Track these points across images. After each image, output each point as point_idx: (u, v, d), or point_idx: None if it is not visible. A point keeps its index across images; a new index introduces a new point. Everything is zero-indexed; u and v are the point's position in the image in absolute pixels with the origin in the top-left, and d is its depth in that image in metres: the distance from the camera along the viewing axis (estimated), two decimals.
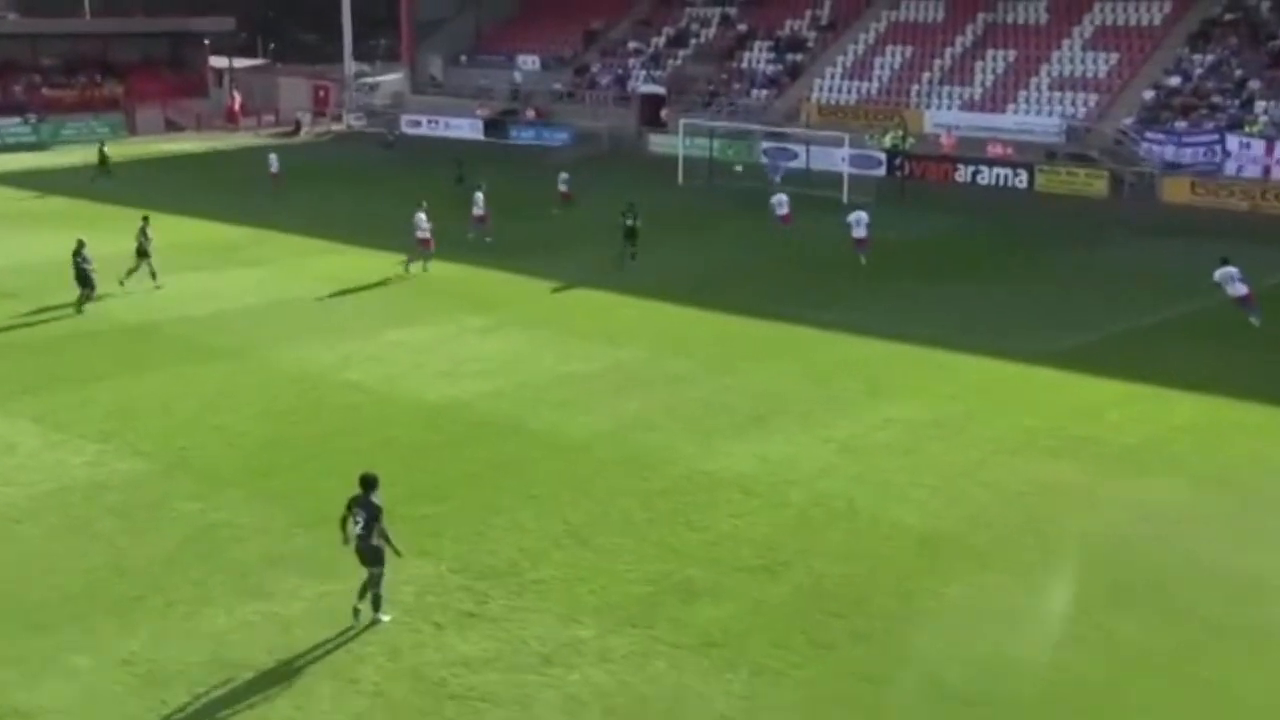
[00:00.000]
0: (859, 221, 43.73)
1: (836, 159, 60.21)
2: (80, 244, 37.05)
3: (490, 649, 17.70)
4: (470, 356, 32.04)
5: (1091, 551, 20.85)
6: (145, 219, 40.68)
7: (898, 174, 61.83)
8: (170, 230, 47.41)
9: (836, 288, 39.82)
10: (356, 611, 18.34)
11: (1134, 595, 19.22)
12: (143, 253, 39.49)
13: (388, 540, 18.26)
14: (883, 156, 63.63)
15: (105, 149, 63.57)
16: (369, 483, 18.32)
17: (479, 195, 47.41)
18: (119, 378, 30.18)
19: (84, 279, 36.60)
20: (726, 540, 21.13)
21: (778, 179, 57.40)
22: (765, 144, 66.52)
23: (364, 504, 18.20)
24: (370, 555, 18.21)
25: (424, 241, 41.32)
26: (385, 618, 18.32)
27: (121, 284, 38.67)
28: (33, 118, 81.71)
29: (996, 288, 39.71)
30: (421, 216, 41.32)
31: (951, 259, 44.69)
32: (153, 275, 39.48)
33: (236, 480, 23.72)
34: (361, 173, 65.28)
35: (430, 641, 17.92)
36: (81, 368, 31.02)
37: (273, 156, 60.05)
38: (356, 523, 18.20)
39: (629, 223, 43.15)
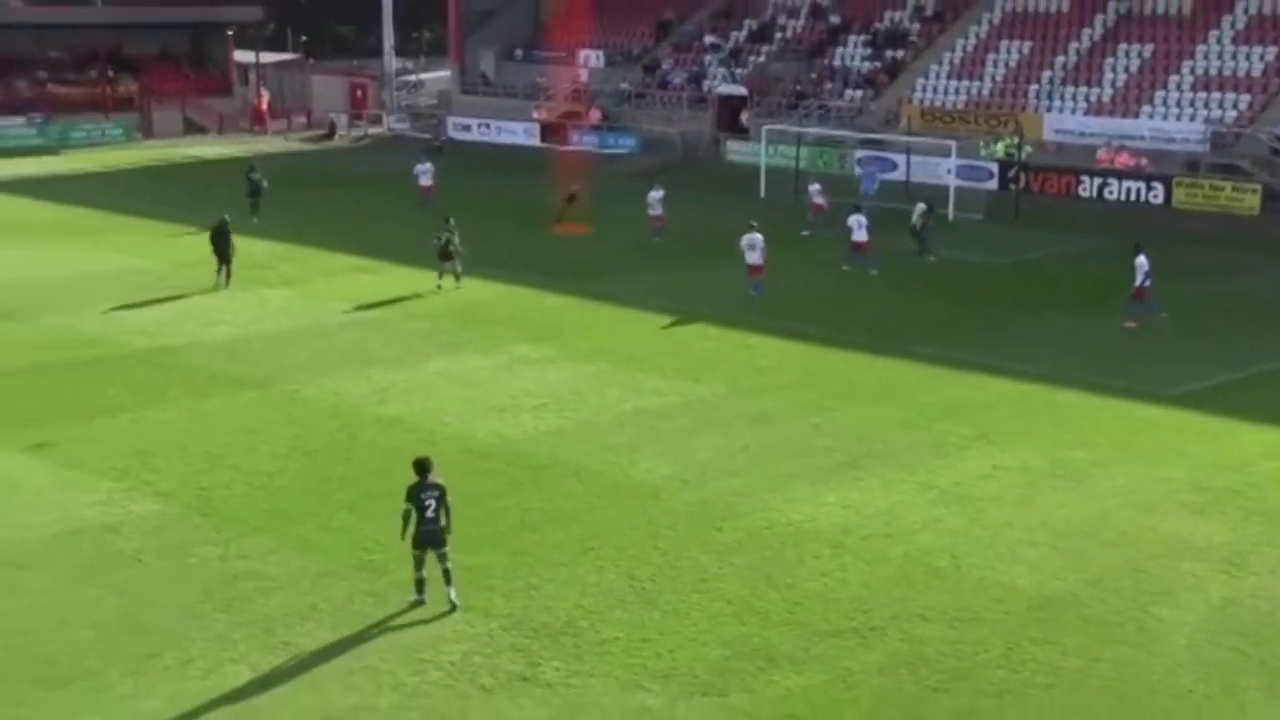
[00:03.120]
0: (859, 225, 45.10)
1: (941, 170, 60.16)
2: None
3: (544, 717, 17.96)
4: (525, 390, 32.40)
5: (1237, 624, 20.79)
6: (225, 220, 43.78)
7: (1012, 187, 61.63)
8: (188, 245, 48.20)
9: (939, 318, 39.89)
10: (422, 602, 20.69)
11: None
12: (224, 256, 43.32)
13: (448, 517, 20.66)
14: (994, 167, 63.52)
15: (255, 175, 55.87)
16: (426, 466, 20.76)
17: (654, 196, 49.81)
18: (132, 409, 30.79)
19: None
20: (812, 600, 21.26)
21: (872, 191, 57.53)
22: (860, 153, 66.60)
23: (432, 486, 20.56)
24: (441, 537, 20.62)
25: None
26: (457, 598, 20.75)
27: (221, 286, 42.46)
28: (38, 118, 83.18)
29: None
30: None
31: (1072, 285, 44.67)
32: (227, 277, 43.22)
33: (262, 525, 24.16)
34: (403, 182, 65.84)
35: (477, 707, 18.20)
36: (91, 398, 31.68)
37: (424, 167, 59.29)
38: (428, 507, 20.42)
39: (915, 223, 46.24)
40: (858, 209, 47.22)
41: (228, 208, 46.66)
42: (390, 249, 47.77)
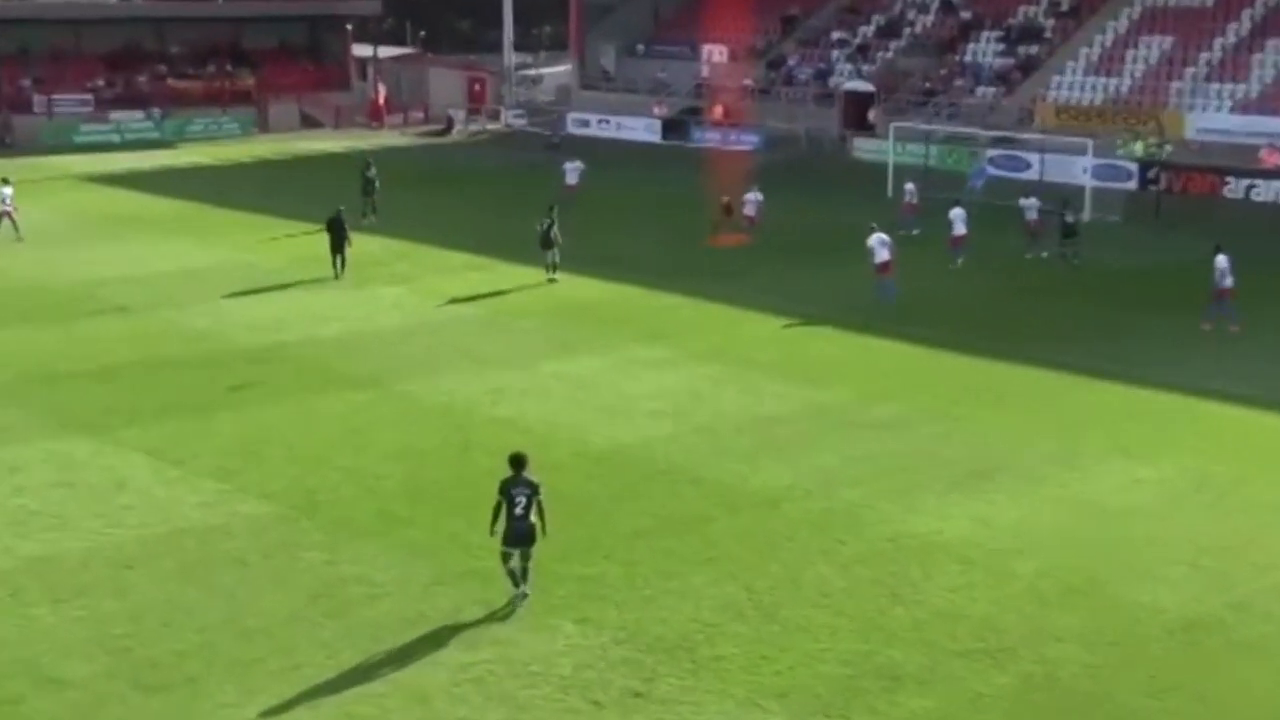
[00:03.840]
0: (960, 219, 45.89)
1: (1077, 169, 59.38)
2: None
3: None
4: (640, 393, 32.17)
5: None
6: (341, 211, 44.98)
7: (1151, 188, 60.67)
8: (301, 241, 48.56)
9: (1072, 321, 39.19)
10: (524, 596, 20.90)
11: None
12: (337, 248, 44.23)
13: (542, 519, 20.74)
14: (1134, 167, 62.52)
15: (371, 172, 55.35)
16: (521, 461, 20.89)
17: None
18: (240, 408, 30.94)
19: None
20: (939, 618, 20.82)
21: (978, 187, 57.10)
22: (991, 151, 65.85)
23: (525, 484, 20.70)
24: (531, 535, 20.70)
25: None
26: (529, 590, 20.94)
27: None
28: (157, 112, 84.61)
29: (1272, 327, 38.60)
30: (6, 191, 44.92)
31: None
32: (342, 266, 44.17)
33: (370, 529, 24.07)
34: (521, 179, 66.09)
35: None
36: (199, 395, 31.87)
37: (573, 164, 59.18)
38: (517, 504, 20.53)
39: (1069, 219, 45.99)
40: (958, 203, 47.42)
41: (342, 203, 46.93)
42: (504, 247, 47.78)
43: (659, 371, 34.03)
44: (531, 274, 43.76)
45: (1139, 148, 64.23)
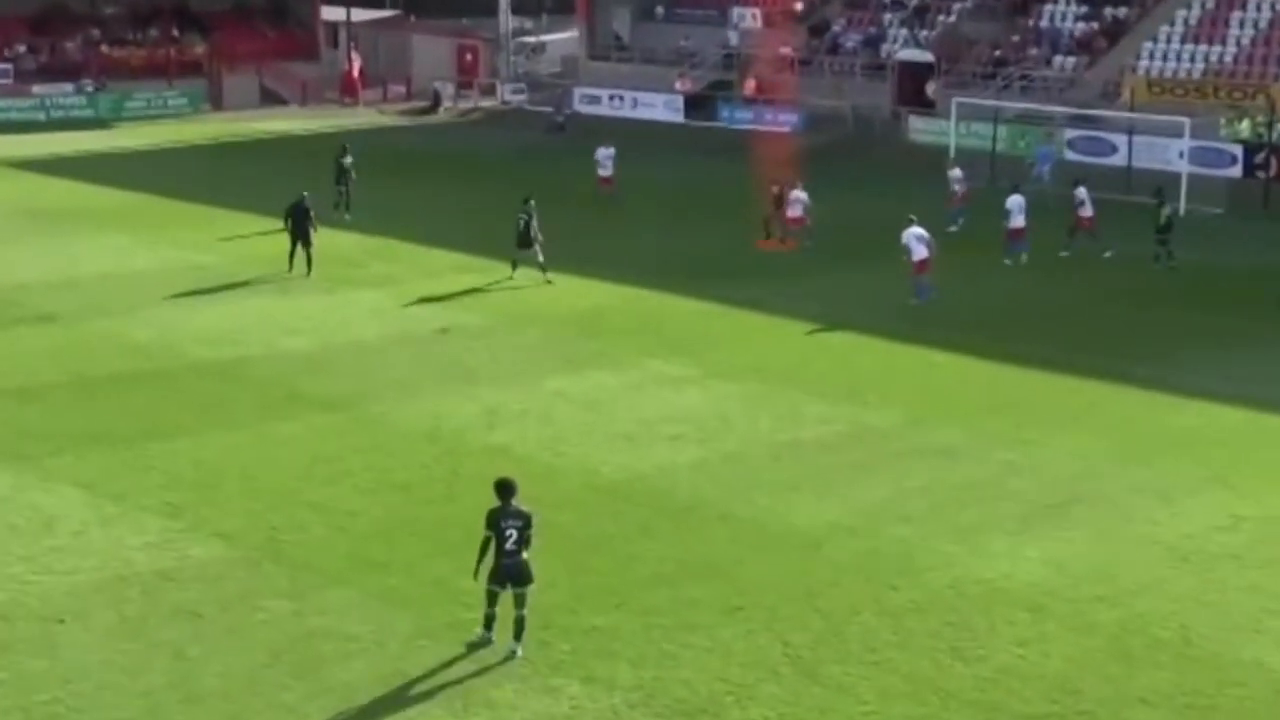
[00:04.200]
0: (1019, 208, 46.63)
1: (1171, 154, 59.47)
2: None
3: None
4: (660, 415, 32.35)
5: None
6: (305, 197, 45.64)
7: (1259, 174, 60.64)
8: (262, 239, 48.75)
9: (1161, 331, 39.32)
10: (489, 641, 21.31)
11: None
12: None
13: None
14: (1238, 150, 62.51)
15: (347, 160, 55.50)
16: (510, 488, 21.42)
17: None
18: (193, 434, 31.08)
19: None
20: (1008, 676, 20.95)
21: (1044, 173, 57.63)
22: (1070, 132, 65.87)
23: (516, 515, 21.26)
24: (525, 573, 21.18)
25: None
26: (521, 651, 21.08)
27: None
28: (90, 85, 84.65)
29: None
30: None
31: None
32: (308, 265, 44.79)
33: (342, 575, 24.24)
34: (520, 165, 66.21)
35: None
36: (144, 418, 32.04)
37: (606, 151, 58.76)
38: (507, 538, 20.98)
39: (1166, 213, 46.14)
40: (1016, 189, 47.98)
41: (311, 191, 47.03)
42: (500, 245, 47.75)
43: (681, 390, 34.20)
44: (530, 276, 43.96)
45: (1245, 128, 64.09)
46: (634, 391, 34.06)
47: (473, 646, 21.37)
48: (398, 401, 33.26)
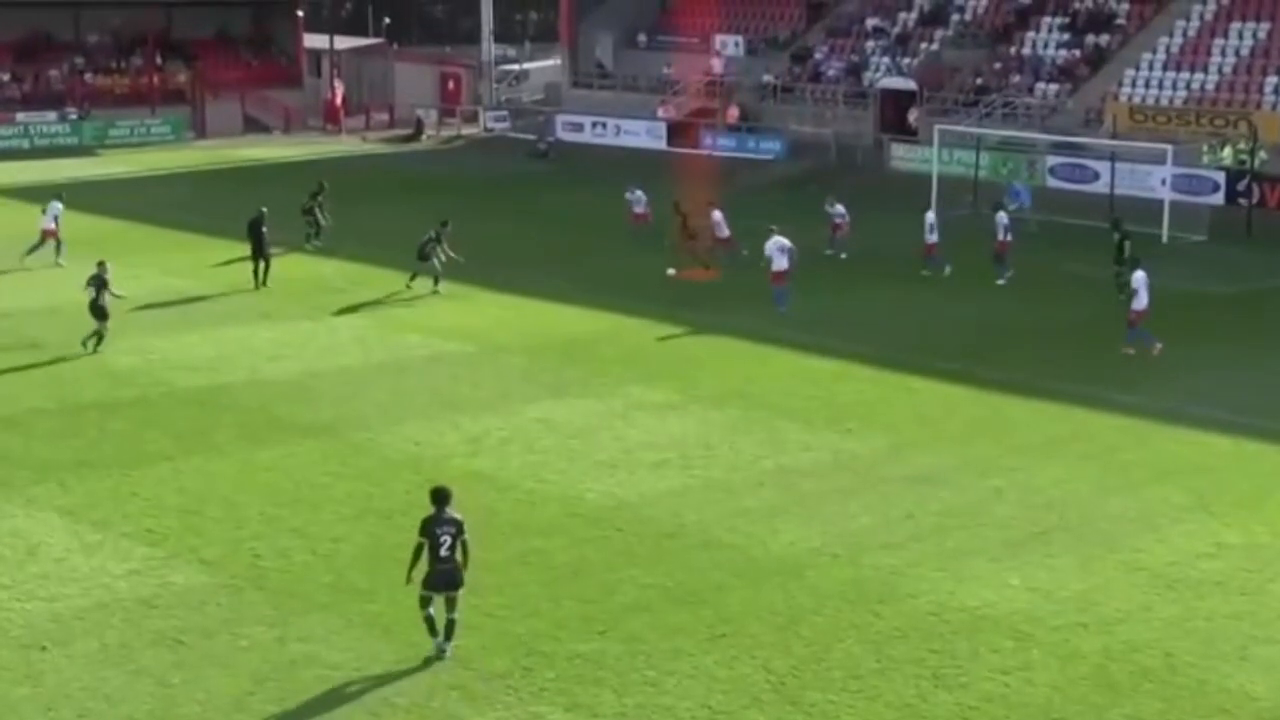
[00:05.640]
0: (1002, 226, 47.40)
1: (1154, 181, 59.67)
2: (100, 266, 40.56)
3: None
4: (642, 442, 32.36)
5: None
6: (263, 212, 47.23)
7: (1242, 202, 60.80)
8: (243, 266, 48.72)
9: (1145, 358, 39.29)
10: (443, 653, 21.91)
11: None
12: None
13: (465, 558, 21.89)
14: (1221, 178, 62.68)
15: (321, 198, 55.32)
16: (445, 496, 22.13)
17: (928, 217, 49.26)
18: (175, 460, 31.08)
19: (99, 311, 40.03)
20: (991, 703, 20.94)
21: (1024, 198, 57.59)
22: (1052, 159, 66.03)
23: (448, 521, 21.89)
24: (457, 578, 21.88)
25: (47, 233, 49.46)
26: (450, 651, 21.95)
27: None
28: (73, 113, 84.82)
29: None
30: (57, 205, 49.25)
31: None
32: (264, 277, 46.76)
33: (325, 602, 24.22)
34: (502, 193, 66.31)
35: None
36: (126, 446, 32.05)
37: (638, 193, 56.81)
38: (441, 544, 21.68)
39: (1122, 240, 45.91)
40: (999, 207, 48.60)
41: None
42: (482, 271, 47.94)
43: (664, 416, 34.22)
44: (514, 303, 44.02)
45: (1228, 155, 64.30)
46: (617, 418, 34.06)
47: (430, 660, 21.82)
48: (380, 428, 33.25)
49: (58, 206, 51.94)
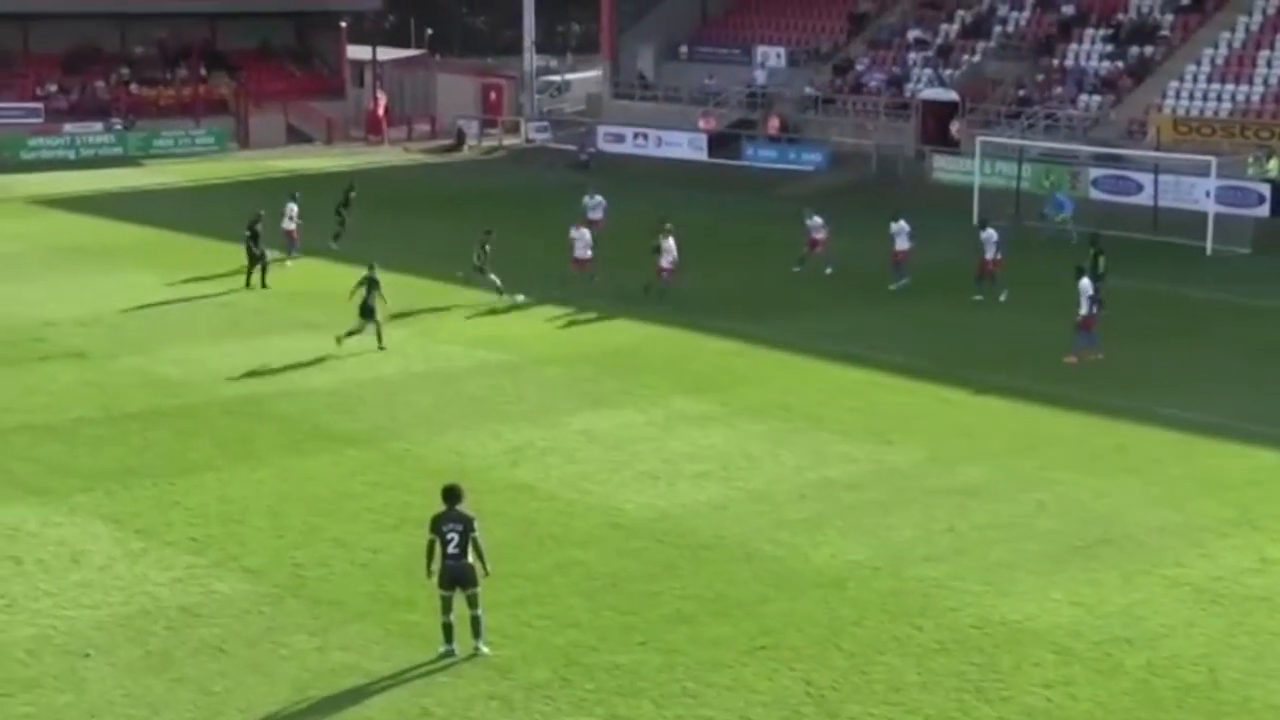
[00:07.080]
0: (991, 242, 46.64)
1: (1198, 193, 59.44)
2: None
3: None
4: (684, 454, 32.35)
5: None
6: (260, 215, 49.16)
7: None
8: (287, 275, 48.91)
9: (1189, 371, 39.20)
10: (451, 653, 22.07)
11: None
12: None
13: (480, 556, 22.02)
14: (1266, 190, 62.39)
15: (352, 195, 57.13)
16: (457, 494, 22.34)
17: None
18: (218, 469, 31.22)
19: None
20: (1033, 718, 20.87)
21: (1067, 210, 57.29)
22: (1095, 171, 65.85)
23: (457, 518, 22.11)
24: (469, 575, 22.00)
25: (289, 233, 51.79)
26: (487, 649, 22.16)
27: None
28: (118, 123, 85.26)
29: None
30: (293, 207, 51.79)
31: None
32: (257, 279, 48.24)
33: (365, 611, 24.27)
34: (544, 203, 66.33)
35: None
36: (169, 455, 32.17)
37: (816, 219, 52.23)
38: (448, 541, 21.93)
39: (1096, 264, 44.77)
40: (984, 225, 48.17)
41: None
42: (524, 282, 47.92)
43: (705, 428, 34.20)
44: (556, 314, 44.07)
45: (1273, 167, 64.02)
46: (658, 430, 34.05)
47: (440, 658, 22.15)
48: (421, 438, 33.31)
49: (293, 207, 52.91)
